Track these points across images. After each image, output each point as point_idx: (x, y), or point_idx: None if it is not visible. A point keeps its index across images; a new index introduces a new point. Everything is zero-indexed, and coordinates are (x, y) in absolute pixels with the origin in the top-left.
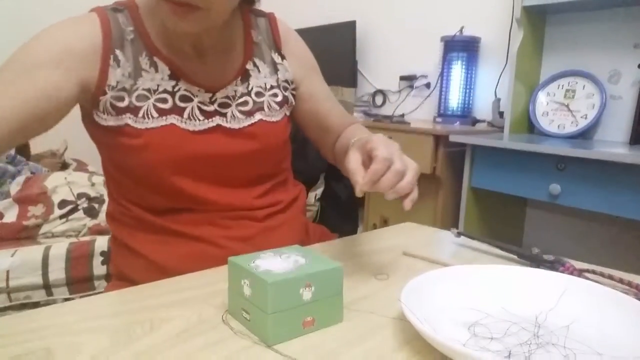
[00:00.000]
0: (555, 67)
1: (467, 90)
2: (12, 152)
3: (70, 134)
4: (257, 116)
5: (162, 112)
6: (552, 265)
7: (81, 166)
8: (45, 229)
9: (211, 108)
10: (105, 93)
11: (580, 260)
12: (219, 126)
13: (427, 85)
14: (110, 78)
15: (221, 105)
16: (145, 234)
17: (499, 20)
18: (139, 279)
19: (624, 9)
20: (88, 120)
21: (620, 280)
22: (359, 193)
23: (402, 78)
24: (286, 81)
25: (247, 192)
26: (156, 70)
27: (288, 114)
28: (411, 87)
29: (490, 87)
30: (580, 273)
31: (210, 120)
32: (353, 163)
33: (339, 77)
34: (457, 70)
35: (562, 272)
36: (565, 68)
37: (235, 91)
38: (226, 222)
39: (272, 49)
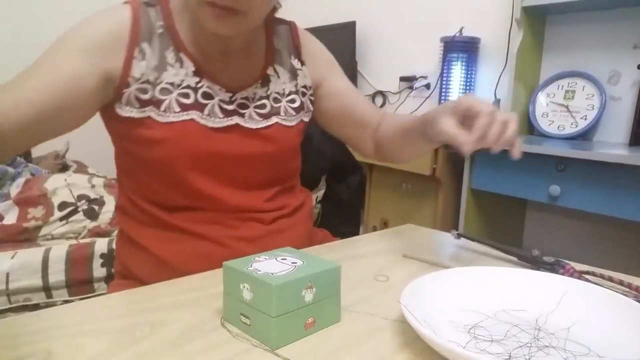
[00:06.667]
0: (554, 67)
1: (467, 91)
2: None
3: (71, 135)
4: (274, 119)
5: (184, 107)
6: (553, 267)
7: (81, 168)
8: (45, 231)
9: (231, 107)
10: (128, 85)
11: (580, 262)
12: (237, 125)
13: (427, 86)
14: (134, 70)
15: (240, 105)
16: (154, 230)
17: (498, 21)
18: (144, 275)
19: (623, 10)
20: (106, 112)
21: (621, 282)
22: (467, 152)
23: (402, 79)
24: (305, 87)
25: (257, 194)
26: (181, 66)
27: (305, 119)
28: (411, 88)
29: (490, 87)
30: (580, 275)
31: (229, 118)
32: (451, 127)
33: None
34: (457, 71)
35: (563, 274)
36: (564, 69)
37: (255, 94)
38: (234, 223)
39: (292, 55)
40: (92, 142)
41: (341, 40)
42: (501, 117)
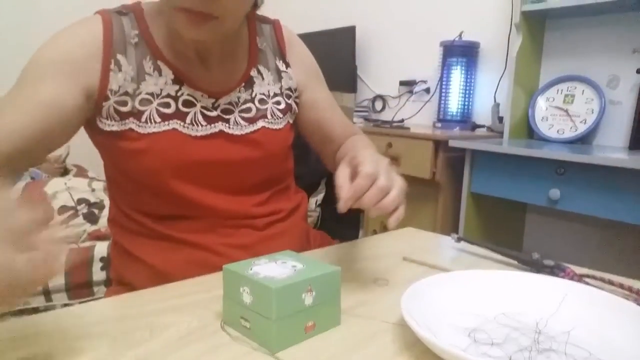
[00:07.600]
0: (554, 72)
1: (467, 95)
2: None
3: (71, 140)
4: (260, 123)
5: (164, 117)
6: (553, 271)
7: (81, 172)
8: None
9: (214, 114)
10: (107, 98)
11: (580, 265)
12: (221, 132)
13: (427, 91)
14: (112, 83)
15: (224, 111)
16: (146, 240)
17: (498, 25)
18: (139, 284)
19: (623, 15)
20: (89, 126)
21: (621, 286)
22: (341, 208)
23: (402, 83)
24: (290, 89)
25: (246, 199)
26: (160, 75)
27: (291, 121)
28: (411, 92)
29: (489, 92)
30: (580, 278)
31: (212, 125)
32: (340, 178)
33: (339, 82)
34: (457, 75)
35: (563, 277)
36: (564, 73)
37: (239, 98)
38: (227, 230)
39: (276, 56)
40: (91, 146)
41: (341, 44)
42: (382, 183)
